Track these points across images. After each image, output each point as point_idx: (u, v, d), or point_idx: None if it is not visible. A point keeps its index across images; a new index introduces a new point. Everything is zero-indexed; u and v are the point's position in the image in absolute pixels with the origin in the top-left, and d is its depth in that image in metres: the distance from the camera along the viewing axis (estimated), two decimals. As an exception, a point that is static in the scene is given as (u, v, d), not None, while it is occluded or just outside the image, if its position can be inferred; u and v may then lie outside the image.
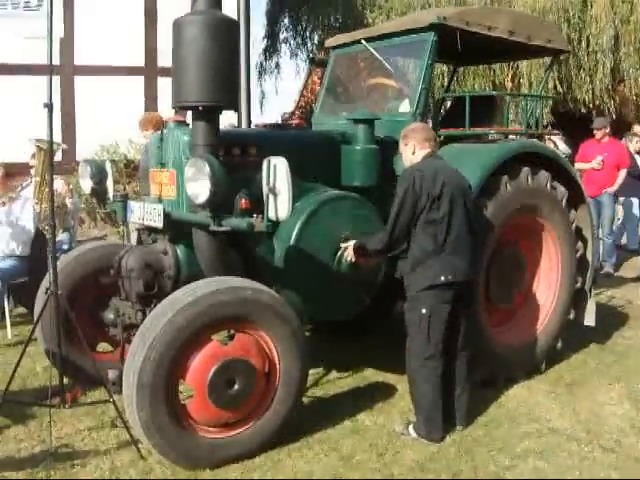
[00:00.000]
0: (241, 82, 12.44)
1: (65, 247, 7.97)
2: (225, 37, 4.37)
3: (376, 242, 4.78)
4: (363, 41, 5.99)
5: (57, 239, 8.07)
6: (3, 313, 7.06)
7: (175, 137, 4.78)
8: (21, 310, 7.59)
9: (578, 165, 9.76)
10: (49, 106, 4.27)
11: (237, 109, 4.57)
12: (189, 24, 4.34)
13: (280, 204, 4.12)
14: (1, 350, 6.50)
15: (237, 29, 4.51)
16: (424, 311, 4.56)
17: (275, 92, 25.03)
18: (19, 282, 7.07)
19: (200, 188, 4.22)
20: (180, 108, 4.54)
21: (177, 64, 4.39)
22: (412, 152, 4.80)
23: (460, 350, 4.81)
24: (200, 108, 4.38)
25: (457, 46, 5.69)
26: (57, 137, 9.79)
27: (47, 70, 4.21)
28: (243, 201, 4.28)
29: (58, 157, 9.13)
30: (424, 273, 4.58)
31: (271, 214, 4.16)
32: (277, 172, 4.11)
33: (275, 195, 4.12)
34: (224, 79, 4.37)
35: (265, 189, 4.14)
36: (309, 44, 19.04)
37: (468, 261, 4.65)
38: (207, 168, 4.14)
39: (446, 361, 4.68)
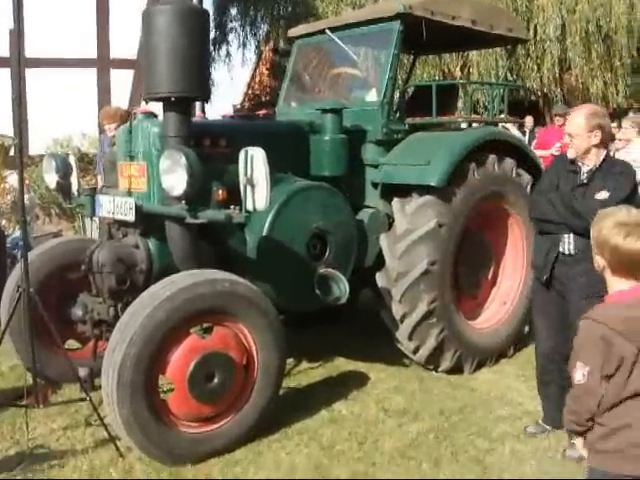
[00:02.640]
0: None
1: (22, 243, 7.78)
2: (196, 27, 4.31)
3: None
4: (328, 31, 5.97)
5: (13, 236, 7.93)
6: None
7: (145, 129, 4.69)
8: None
9: (537, 152, 9.87)
10: (17, 100, 4.16)
11: (208, 99, 4.48)
12: (159, 14, 4.27)
13: (258, 195, 4.08)
14: (-39, 351, 6.32)
15: (207, 19, 4.45)
16: None
17: (227, 81, 24.95)
18: (-23, 280, 6.88)
19: (176, 180, 4.16)
20: (151, 99, 4.46)
21: (148, 55, 4.33)
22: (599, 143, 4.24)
23: None
24: (172, 99, 4.32)
25: (419, 35, 5.71)
26: (9, 131, 9.58)
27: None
28: (220, 192, 4.23)
29: (12, 152, 8.91)
30: None
31: (249, 205, 4.11)
32: (255, 162, 4.06)
33: (253, 186, 4.08)
34: (196, 69, 4.32)
35: (242, 180, 4.09)
36: (258, 34, 18.97)
37: None
38: (183, 160, 4.08)
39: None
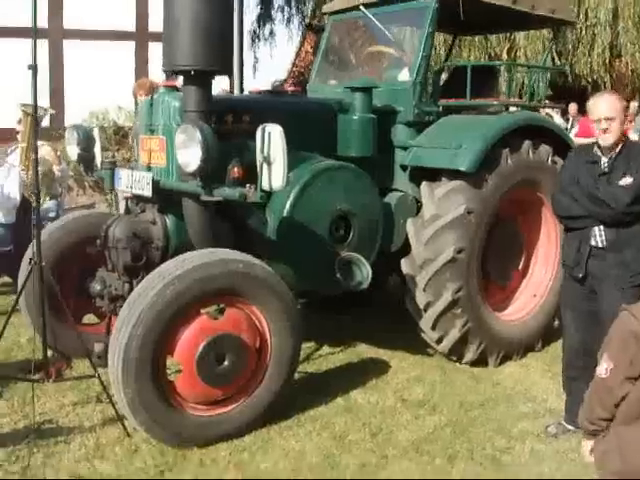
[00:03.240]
0: (234, 49, 12.28)
1: (52, 215, 7.77)
2: (218, -2, 4.16)
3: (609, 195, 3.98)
4: (362, 7, 5.77)
5: (44, 207, 7.88)
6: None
7: (165, 102, 4.56)
8: (6, 280, 7.39)
9: (579, 140, 9.58)
10: (33, 68, 4.07)
11: (231, 74, 4.33)
12: (181, -16, 4.12)
13: (274, 174, 3.93)
14: (-16, 321, 6.32)
15: (231, -10, 4.29)
16: None
17: (269, 58, 25.18)
18: (4, 251, 6.88)
19: (191, 156, 4.03)
20: (171, 72, 4.33)
21: (168, 26, 4.18)
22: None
23: None
24: (192, 72, 4.18)
25: (458, 14, 5.49)
26: (45, 102, 9.55)
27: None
28: (235, 170, 4.08)
29: (46, 123, 8.88)
30: None
31: (265, 184, 3.97)
32: (272, 140, 3.92)
33: (269, 164, 3.93)
34: (217, 42, 4.17)
35: (259, 158, 3.95)
36: (304, 10, 18.81)
37: None
38: (198, 135, 3.94)
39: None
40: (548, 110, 10.29)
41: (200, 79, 4.23)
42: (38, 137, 7.51)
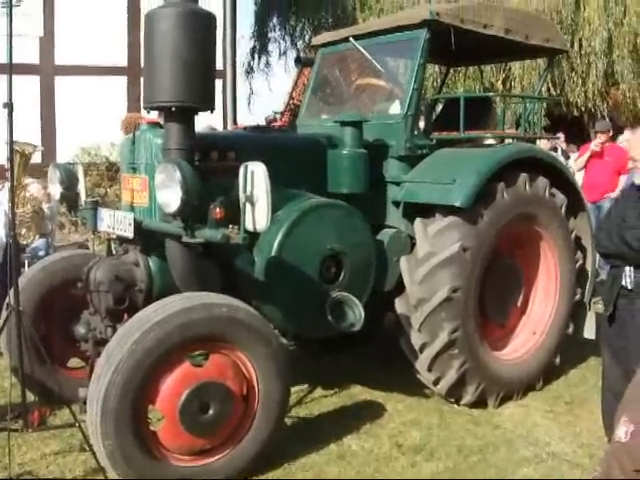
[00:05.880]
0: (227, 82, 12.21)
1: (42, 253, 7.62)
2: (201, 32, 4.04)
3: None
4: (351, 39, 5.65)
5: (33, 245, 7.74)
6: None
7: (147, 140, 4.43)
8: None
9: (579, 161, 9.72)
10: (9, 106, 3.95)
11: (213, 110, 4.19)
12: (162, 17, 4.00)
13: (258, 214, 3.78)
14: (-32, 365, 6.13)
15: (214, 23, 4.16)
16: None
17: (267, 91, 25.30)
18: (-10, 291, 6.71)
19: (170, 196, 3.88)
20: (151, 109, 4.19)
21: (148, 61, 4.06)
22: None
23: None
24: (172, 109, 4.04)
25: (450, 45, 5.37)
26: (36, 139, 9.45)
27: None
28: (217, 210, 3.90)
29: (37, 159, 8.77)
30: None
31: (248, 225, 3.82)
32: (255, 179, 3.77)
33: (253, 204, 3.78)
34: (199, 77, 4.04)
35: (242, 197, 3.79)
36: (299, 44, 18.80)
37: None
38: (178, 174, 3.79)
39: None
40: (559, 142, 10.33)
41: (181, 116, 4.09)
42: (28, 174, 7.42)
